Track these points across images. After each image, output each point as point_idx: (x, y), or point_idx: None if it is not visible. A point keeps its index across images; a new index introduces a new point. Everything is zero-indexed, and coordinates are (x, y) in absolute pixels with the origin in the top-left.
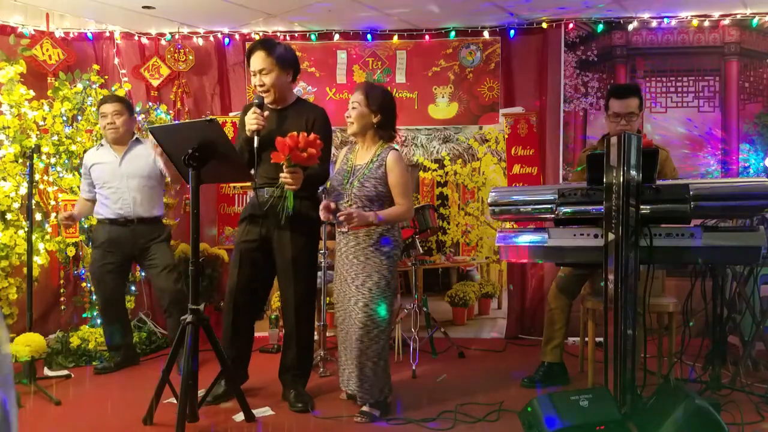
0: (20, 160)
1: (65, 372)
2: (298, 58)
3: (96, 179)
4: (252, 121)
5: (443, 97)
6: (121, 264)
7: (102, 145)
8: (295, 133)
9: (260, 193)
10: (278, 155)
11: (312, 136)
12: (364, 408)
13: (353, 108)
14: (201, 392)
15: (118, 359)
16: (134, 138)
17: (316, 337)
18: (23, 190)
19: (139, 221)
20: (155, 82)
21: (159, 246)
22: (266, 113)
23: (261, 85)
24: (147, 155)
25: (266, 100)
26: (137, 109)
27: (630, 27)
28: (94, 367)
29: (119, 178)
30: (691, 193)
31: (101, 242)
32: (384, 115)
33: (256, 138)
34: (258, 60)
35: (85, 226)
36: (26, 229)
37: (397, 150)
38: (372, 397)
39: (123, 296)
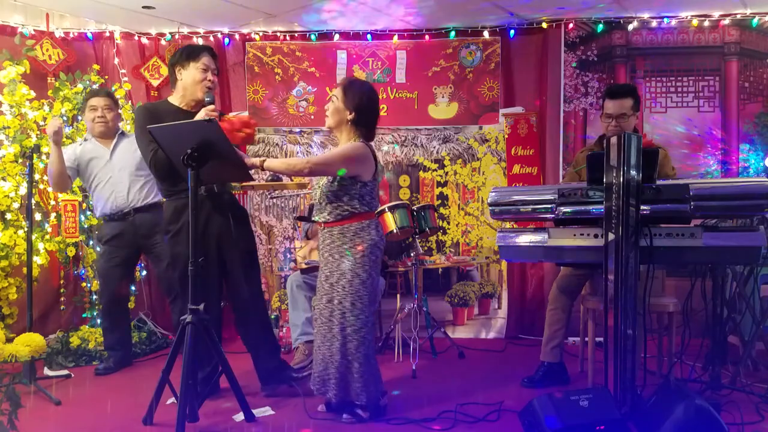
0: (20, 160)
1: (65, 372)
2: None
3: (90, 174)
4: (213, 117)
5: (443, 97)
6: (127, 258)
7: (86, 140)
8: (230, 116)
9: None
10: None
11: (246, 116)
12: (355, 409)
13: (332, 102)
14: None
15: (117, 359)
16: (120, 131)
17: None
18: (23, 190)
19: (135, 211)
20: (155, 82)
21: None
22: (219, 110)
23: (211, 82)
24: (134, 148)
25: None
26: None
27: (630, 27)
28: (96, 368)
29: (110, 171)
30: (691, 193)
31: (107, 239)
32: (359, 114)
33: None
34: (211, 60)
35: (85, 226)
36: (26, 229)
37: (363, 143)
38: (354, 398)
39: (128, 295)
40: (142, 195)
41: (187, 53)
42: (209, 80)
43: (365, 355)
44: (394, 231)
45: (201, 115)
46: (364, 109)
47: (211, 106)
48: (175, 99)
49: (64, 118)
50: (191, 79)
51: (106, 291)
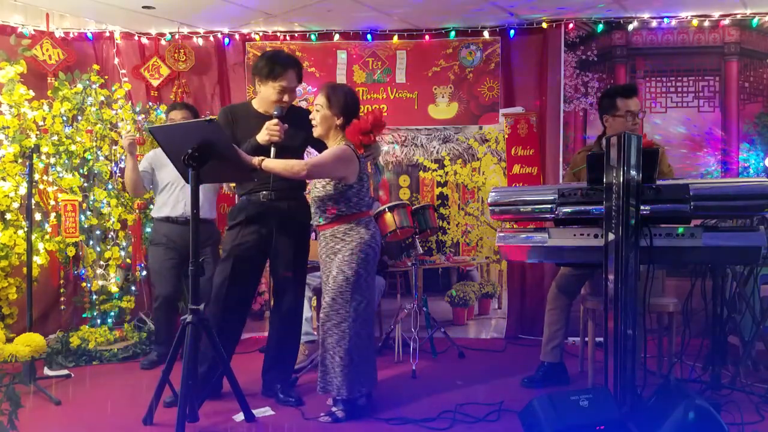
0: (20, 160)
1: (65, 372)
2: None
3: (162, 180)
4: (273, 132)
5: (443, 97)
6: (180, 261)
7: None
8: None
9: (257, 197)
10: None
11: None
12: (331, 407)
13: (317, 111)
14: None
15: (161, 352)
16: None
17: (314, 337)
18: (23, 190)
19: (201, 222)
20: (155, 82)
21: (211, 251)
22: (285, 126)
23: (285, 100)
24: None
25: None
26: (137, 109)
27: (630, 27)
28: (141, 362)
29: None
30: (691, 193)
31: (161, 240)
32: (346, 117)
33: (273, 149)
34: (293, 78)
35: (85, 226)
36: (26, 229)
37: (347, 146)
38: (334, 392)
39: (181, 293)
40: (207, 209)
41: (269, 70)
42: (284, 101)
43: (346, 350)
44: (395, 231)
45: (263, 133)
46: (350, 111)
47: (274, 121)
48: (255, 102)
49: (64, 118)
50: (267, 96)
51: (163, 289)
